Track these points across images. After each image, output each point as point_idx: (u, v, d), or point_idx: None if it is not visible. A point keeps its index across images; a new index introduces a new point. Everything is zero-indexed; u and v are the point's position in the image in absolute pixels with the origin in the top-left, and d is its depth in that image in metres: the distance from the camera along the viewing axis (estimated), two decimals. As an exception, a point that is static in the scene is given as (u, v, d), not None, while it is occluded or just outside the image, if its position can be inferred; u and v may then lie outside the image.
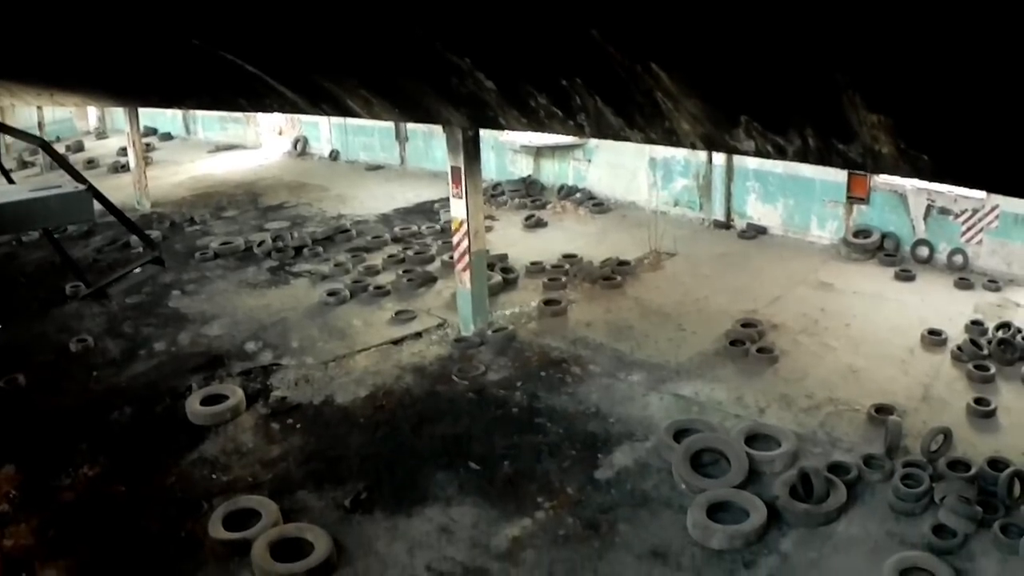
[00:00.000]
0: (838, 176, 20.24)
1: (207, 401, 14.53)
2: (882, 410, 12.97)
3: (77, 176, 16.03)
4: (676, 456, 11.91)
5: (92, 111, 50.86)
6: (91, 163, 36.96)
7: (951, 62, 4.98)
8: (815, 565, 10.09)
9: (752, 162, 21.58)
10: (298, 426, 14.01)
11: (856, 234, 20.35)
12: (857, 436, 12.66)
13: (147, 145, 38.24)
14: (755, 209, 22.35)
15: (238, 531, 11.02)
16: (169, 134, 46.83)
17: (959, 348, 14.92)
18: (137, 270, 20.94)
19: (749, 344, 15.33)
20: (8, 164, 25.89)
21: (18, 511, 12.30)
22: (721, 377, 14.59)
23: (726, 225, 22.59)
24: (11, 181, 20.19)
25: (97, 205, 14.78)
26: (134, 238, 24.23)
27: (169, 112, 43.36)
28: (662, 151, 22.99)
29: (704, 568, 10.19)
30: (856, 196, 20.45)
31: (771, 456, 11.90)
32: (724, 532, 10.44)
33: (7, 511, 12.26)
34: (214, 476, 12.81)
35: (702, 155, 22.28)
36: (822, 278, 18.91)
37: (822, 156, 7.26)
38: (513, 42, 8.69)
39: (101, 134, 50.56)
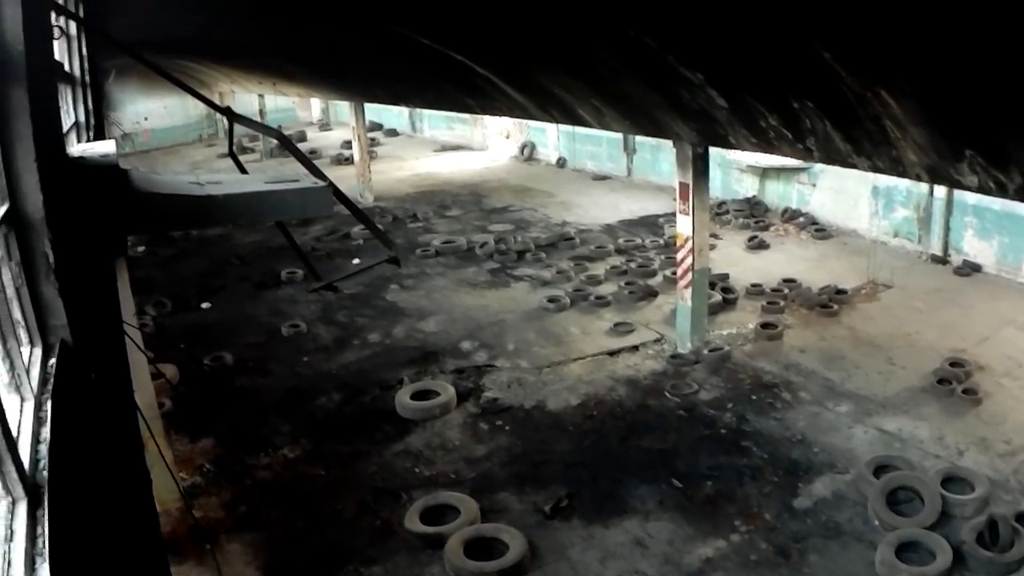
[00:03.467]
0: None
1: (417, 396, 15.00)
2: None
3: (316, 171, 16.60)
4: (873, 491, 11.76)
5: (315, 102, 52.62)
6: (313, 153, 38.34)
7: None
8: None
9: (971, 196, 20.83)
10: (506, 428, 14.31)
11: None
12: (1050, 486, 12.28)
13: (372, 140, 39.51)
14: (971, 245, 21.67)
15: (435, 525, 11.35)
16: (394, 130, 48.16)
17: None
18: (372, 268, 21.58)
19: (955, 383, 14.99)
20: (226, 147, 26.94)
21: (211, 484, 12.99)
22: (925, 415, 14.29)
23: (942, 260, 22.02)
24: (244, 171, 21.06)
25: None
26: (355, 229, 25.07)
27: (395, 109, 44.49)
28: (885, 179, 22.52)
29: (886, 606, 10.08)
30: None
31: (964, 500, 11.62)
32: (909, 573, 10.28)
33: (200, 483, 12.90)
34: (416, 469, 13.20)
35: (923, 186, 21.71)
36: (1031, 321, 18.33)
37: (1042, 195, 7.17)
38: (745, 60, 8.78)
39: (324, 126, 52.34)
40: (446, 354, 17.25)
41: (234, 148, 13.92)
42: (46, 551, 3.45)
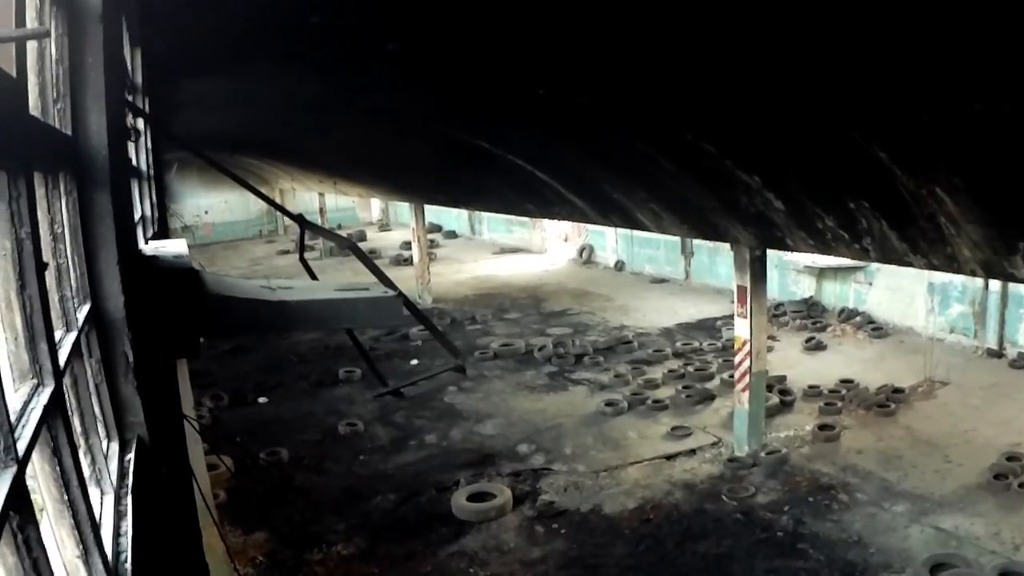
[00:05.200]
0: None
1: (474, 498, 15.19)
2: None
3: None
4: (930, 591, 11.83)
5: (375, 202, 53.29)
6: (373, 253, 38.96)
7: None
8: None
9: None
10: (562, 531, 14.42)
11: None
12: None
13: (431, 241, 39.95)
14: (1026, 337, 21.81)
15: (491, 627, 11.45)
16: (454, 232, 48.71)
17: None
18: (439, 375, 21.90)
19: (1012, 478, 15.02)
20: (286, 245, 27.44)
21: (263, 576, 13.17)
22: (981, 511, 14.31)
23: (998, 354, 22.02)
24: (314, 277, 21.52)
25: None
26: (413, 330, 25.40)
27: (455, 211, 45.06)
28: (940, 276, 22.67)
29: None
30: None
31: None
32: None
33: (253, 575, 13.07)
34: (471, 570, 13.35)
35: (978, 281, 21.82)
36: (1085, 413, 18.25)
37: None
38: (801, 162, 9.07)
39: (384, 226, 53.03)
40: (503, 457, 17.44)
41: (308, 266, 14.32)
42: None
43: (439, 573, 13.32)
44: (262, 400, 21.33)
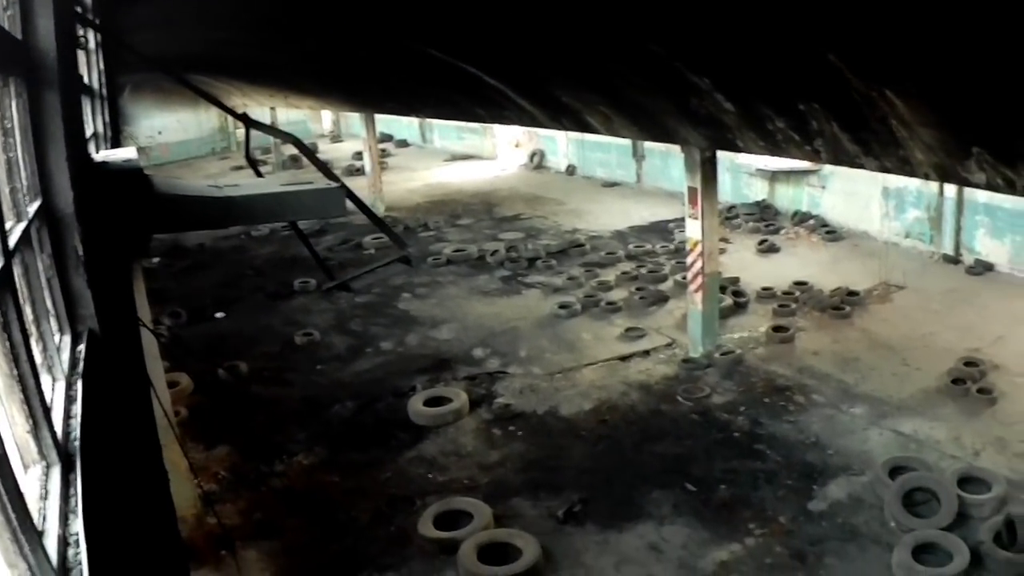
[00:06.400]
0: None
1: (431, 402, 14.91)
2: None
3: (329, 174, 16.53)
4: (889, 493, 11.63)
5: (326, 115, 52.72)
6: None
7: None
8: (1008, 617, 9.72)
9: (982, 195, 20.69)
10: (520, 434, 14.22)
11: None
12: (1066, 486, 12.12)
13: (383, 151, 39.47)
14: (983, 244, 21.52)
15: (449, 531, 11.26)
16: (405, 141, 48.21)
17: None
18: (385, 266, 21.55)
19: (970, 383, 14.85)
20: (239, 161, 27.09)
21: (227, 491, 12.91)
22: (941, 415, 14.16)
23: (954, 259, 21.87)
24: (260, 175, 21.11)
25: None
26: (366, 239, 25.09)
27: (406, 120, 44.54)
28: (895, 180, 22.41)
29: (903, 609, 9.96)
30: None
31: (981, 500, 11.48)
32: (926, 575, 10.18)
33: (216, 490, 12.80)
34: (430, 475, 13.13)
35: (934, 186, 21.57)
36: (1046, 319, 18.14)
37: (1050, 191, 7.12)
38: (752, 64, 8.72)
39: (336, 138, 52.49)
40: (459, 361, 17.18)
41: (253, 163, 14.00)
42: (79, 509, 3.80)
43: (399, 478, 13.09)
44: (220, 315, 20.92)
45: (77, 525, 3.66)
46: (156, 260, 25.28)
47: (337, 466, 13.50)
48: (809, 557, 10.80)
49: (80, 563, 3.47)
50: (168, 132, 48.65)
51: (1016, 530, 10.47)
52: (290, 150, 34.66)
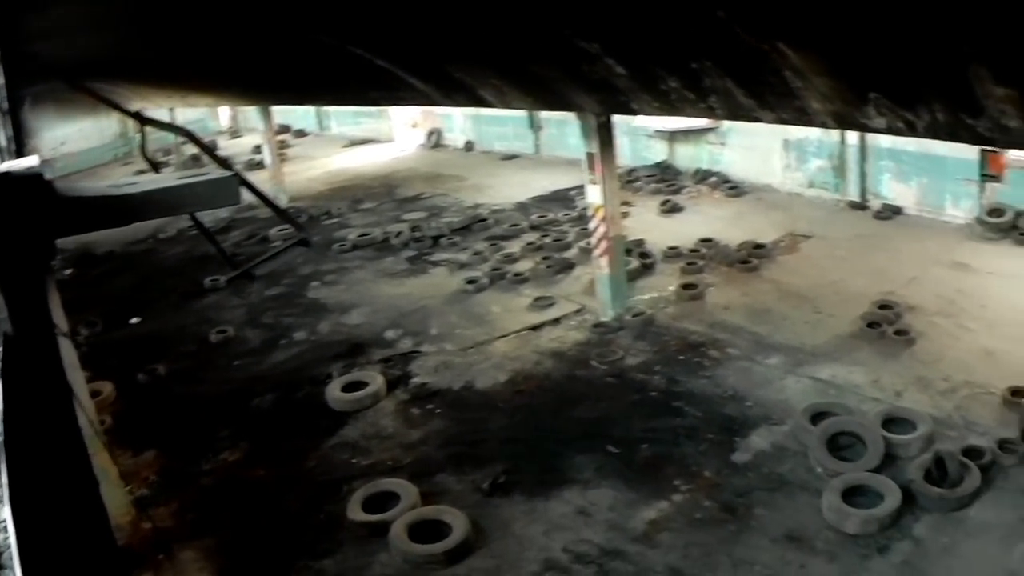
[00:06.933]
0: (971, 153, 19.49)
1: (348, 388, 14.83)
2: (1018, 393, 12.48)
3: (222, 163, 16.39)
4: (813, 439, 11.76)
5: (224, 111, 52.14)
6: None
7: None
8: (948, 551, 9.88)
9: (885, 141, 21.03)
10: (438, 411, 14.21)
11: (991, 212, 19.56)
12: (993, 419, 12.26)
13: (282, 142, 39.01)
14: (890, 189, 21.84)
15: (377, 513, 11.26)
16: (303, 130, 47.72)
17: (1095, 329, 14.38)
18: (285, 251, 21.38)
19: (886, 326, 15.05)
20: (141, 165, 26.73)
21: (158, 494, 12.74)
22: (858, 360, 14.36)
23: (861, 206, 22.13)
24: (157, 170, 20.86)
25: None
26: (272, 231, 24.91)
27: (302, 109, 44.14)
28: (796, 132, 22.65)
29: (838, 552, 10.07)
30: (990, 174, 19.70)
31: (907, 440, 11.62)
32: (859, 516, 10.30)
33: (147, 495, 12.66)
34: (354, 460, 13.08)
35: (835, 135, 21.83)
36: (958, 258, 18.32)
37: (951, 131, 7.22)
38: (641, 27, 8.74)
39: (235, 133, 51.87)
40: (372, 344, 17.09)
41: (149, 157, 13.87)
42: (6, 494, 3.70)
43: (324, 466, 13.05)
44: (135, 320, 20.58)
45: (4, 512, 3.59)
46: (68, 272, 24.86)
47: (262, 459, 13.39)
48: (739, 509, 10.91)
49: (9, 546, 3.42)
50: (71, 142, 47.65)
51: (946, 466, 10.63)
52: (191, 150, 34.22)
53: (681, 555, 10.27)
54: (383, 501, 11.49)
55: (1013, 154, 18.97)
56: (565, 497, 11.52)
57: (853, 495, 10.66)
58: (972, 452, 11.20)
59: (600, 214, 16.13)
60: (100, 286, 23.93)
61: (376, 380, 14.92)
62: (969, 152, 19.35)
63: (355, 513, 11.31)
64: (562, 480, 11.88)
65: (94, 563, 6.52)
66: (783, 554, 10.12)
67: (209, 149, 13.07)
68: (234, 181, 8.91)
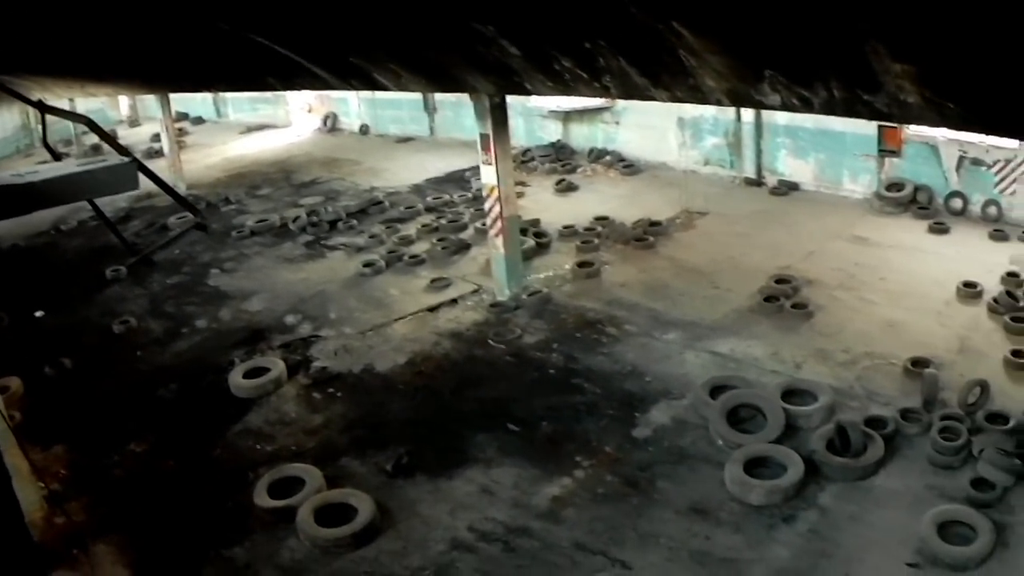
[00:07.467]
0: (869, 129, 19.98)
1: (250, 374, 14.80)
2: (919, 363, 12.88)
3: (121, 150, 16.18)
4: (713, 412, 11.98)
5: (123, 100, 51.21)
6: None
7: (975, 8, 5.02)
8: (855, 519, 10.14)
9: (782, 117, 21.43)
10: (339, 395, 14.26)
11: (889, 187, 20.13)
12: (894, 389, 12.64)
13: (180, 130, 38.43)
14: (787, 165, 22.26)
15: (283, 499, 11.31)
16: (200, 118, 47.05)
17: (995, 300, 14.82)
18: (182, 236, 21.19)
19: (784, 300, 15.37)
20: (44, 156, 26.26)
21: (69, 489, 12.60)
22: (757, 333, 14.65)
23: (758, 182, 22.51)
24: (58, 158, 20.54)
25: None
26: (171, 219, 24.61)
27: (200, 96, 43.51)
28: (691, 110, 22.98)
29: (743, 523, 10.29)
30: (888, 148, 20.21)
31: (808, 411, 11.88)
32: (762, 487, 10.51)
33: (58, 490, 12.51)
34: (259, 446, 13.10)
35: (731, 112, 22.14)
36: (856, 232, 18.83)
37: (848, 107, 7.35)
38: (535, 7, 8.79)
39: (134, 122, 50.94)
40: (272, 330, 17.07)
41: (51, 148, 13.65)
42: None
43: (229, 453, 13.05)
44: (39, 314, 20.25)
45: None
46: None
47: (170, 449, 13.31)
48: (641, 482, 11.13)
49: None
50: (-30, 138, 46.59)
51: (849, 436, 10.88)
52: (92, 139, 33.57)
53: (586, 530, 10.45)
54: (289, 486, 11.52)
55: (911, 129, 19.51)
56: (468, 476, 11.66)
57: (756, 467, 10.88)
58: (875, 422, 11.53)
59: (494, 194, 16.27)
60: (3, 280, 23.51)
61: (277, 365, 14.90)
62: (867, 127, 19.84)
63: (262, 500, 11.33)
64: (465, 459, 12.03)
65: (10, 560, 6.49)
66: (688, 526, 10.33)
67: (109, 137, 12.95)
68: (133, 167, 8.95)
